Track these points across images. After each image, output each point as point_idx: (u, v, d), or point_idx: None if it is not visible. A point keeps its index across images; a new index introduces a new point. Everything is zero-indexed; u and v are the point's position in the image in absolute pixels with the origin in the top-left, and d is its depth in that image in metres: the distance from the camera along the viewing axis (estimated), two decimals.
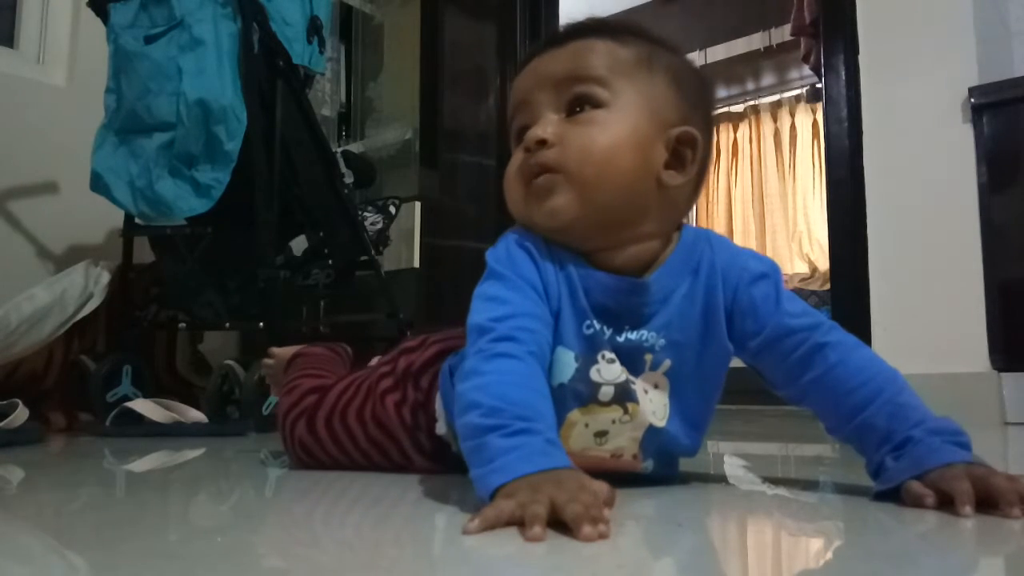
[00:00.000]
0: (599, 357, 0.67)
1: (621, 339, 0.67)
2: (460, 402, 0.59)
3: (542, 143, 0.67)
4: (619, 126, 0.66)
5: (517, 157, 0.70)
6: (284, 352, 1.13)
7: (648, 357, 0.68)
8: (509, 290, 0.65)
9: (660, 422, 0.69)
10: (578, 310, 0.67)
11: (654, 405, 0.69)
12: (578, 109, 0.67)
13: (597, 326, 0.67)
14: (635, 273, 0.68)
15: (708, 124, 0.72)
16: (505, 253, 0.68)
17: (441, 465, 0.81)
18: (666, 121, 0.68)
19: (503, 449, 0.54)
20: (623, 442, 0.69)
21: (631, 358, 0.68)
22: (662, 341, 0.68)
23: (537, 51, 0.72)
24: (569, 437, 0.67)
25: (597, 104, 0.67)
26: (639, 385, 0.68)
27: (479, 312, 0.64)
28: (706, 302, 0.69)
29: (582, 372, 0.66)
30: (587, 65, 0.68)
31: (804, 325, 0.68)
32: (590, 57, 0.68)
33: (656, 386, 0.69)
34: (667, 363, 0.69)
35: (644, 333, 0.68)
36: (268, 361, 1.16)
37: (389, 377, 0.86)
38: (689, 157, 0.69)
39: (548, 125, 0.67)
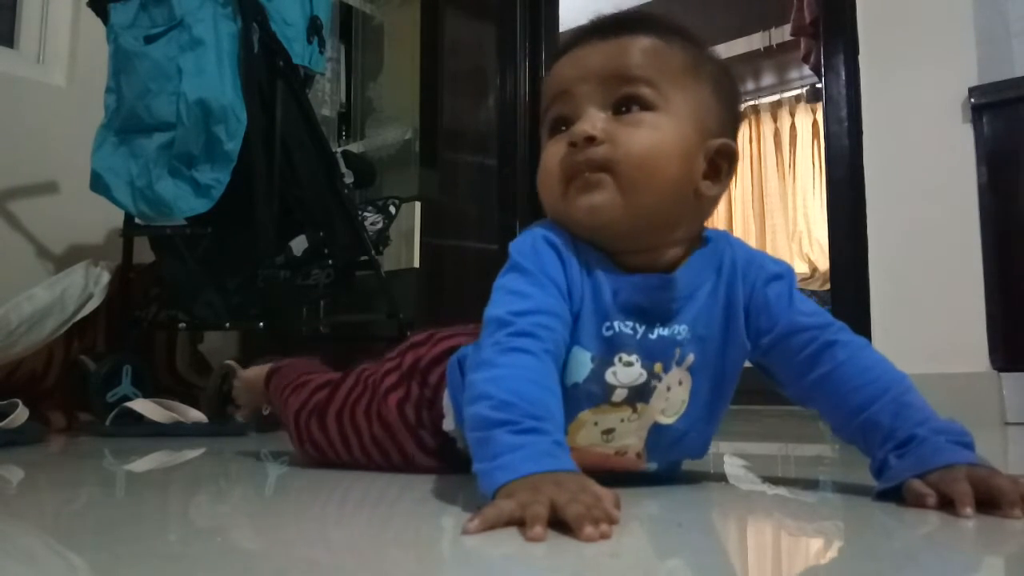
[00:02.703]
0: (616, 360, 0.66)
1: (654, 336, 0.67)
2: (471, 391, 0.59)
3: (591, 140, 0.65)
4: (669, 132, 0.65)
5: (557, 149, 0.67)
6: (251, 373, 1.12)
7: (677, 351, 0.68)
8: (532, 286, 0.64)
9: (668, 419, 0.69)
10: (600, 311, 0.66)
11: (671, 402, 0.68)
12: (625, 109, 0.66)
13: (618, 327, 0.66)
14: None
15: (737, 134, 0.72)
16: (531, 248, 0.66)
17: (445, 463, 0.81)
18: (708, 131, 0.67)
19: (510, 446, 0.53)
20: (629, 440, 0.69)
21: (663, 354, 0.67)
22: (688, 335, 0.68)
23: (581, 39, 0.69)
24: (577, 434, 0.67)
25: (646, 106, 0.65)
26: (664, 382, 0.67)
27: (500, 304, 0.63)
28: (727, 299, 0.69)
29: (597, 373, 0.66)
30: (637, 64, 0.66)
31: (815, 323, 0.68)
32: (640, 56, 0.66)
33: (680, 383, 0.69)
34: (691, 357, 0.68)
35: (675, 327, 0.67)
36: (236, 383, 1.16)
37: (394, 373, 0.85)
38: (724, 169, 0.68)
39: (596, 121, 0.65)
